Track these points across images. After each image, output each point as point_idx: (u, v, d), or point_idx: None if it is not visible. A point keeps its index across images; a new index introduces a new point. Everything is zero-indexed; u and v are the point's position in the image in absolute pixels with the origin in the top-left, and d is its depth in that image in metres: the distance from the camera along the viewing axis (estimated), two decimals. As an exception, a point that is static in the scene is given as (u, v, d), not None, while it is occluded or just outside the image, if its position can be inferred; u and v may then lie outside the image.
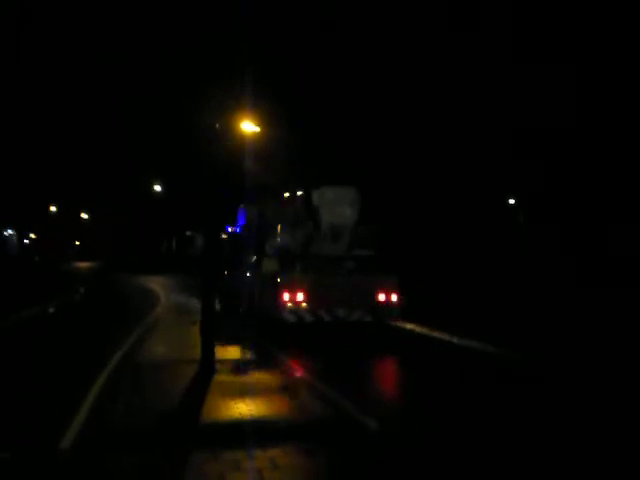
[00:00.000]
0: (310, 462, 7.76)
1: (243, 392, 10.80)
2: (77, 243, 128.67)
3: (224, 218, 20.28)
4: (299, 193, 20.35)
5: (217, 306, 18.01)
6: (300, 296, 17.40)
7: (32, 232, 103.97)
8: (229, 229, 25.34)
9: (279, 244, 19.24)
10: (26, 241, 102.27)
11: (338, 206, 18.27)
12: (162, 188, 64.57)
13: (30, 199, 71.97)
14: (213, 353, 12.95)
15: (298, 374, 12.87)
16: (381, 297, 18.02)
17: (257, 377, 12.30)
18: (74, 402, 10.33)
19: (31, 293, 32.89)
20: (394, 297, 18.13)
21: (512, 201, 36.03)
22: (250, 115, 21.09)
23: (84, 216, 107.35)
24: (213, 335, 13.01)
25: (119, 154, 61.41)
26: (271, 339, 17.23)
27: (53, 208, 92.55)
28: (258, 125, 23.22)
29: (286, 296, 17.30)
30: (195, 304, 14.95)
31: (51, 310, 26.73)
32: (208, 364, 12.71)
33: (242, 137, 22.52)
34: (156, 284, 42.15)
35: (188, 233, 63.00)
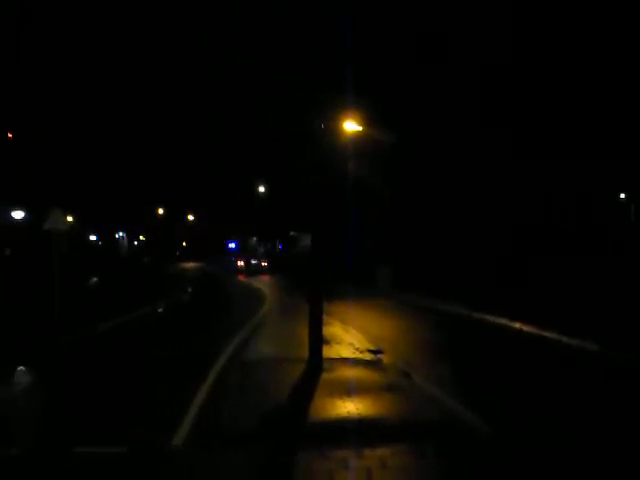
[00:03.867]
0: (420, 464, 7.65)
1: (350, 390, 10.79)
2: (184, 244, 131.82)
3: (329, 218, 20.60)
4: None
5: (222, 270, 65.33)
6: (241, 262, 64.92)
7: (141, 234, 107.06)
8: (230, 245, 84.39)
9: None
10: (135, 243, 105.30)
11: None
12: (266, 189, 65.46)
13: (139, 203, 74.09)
14: (320, 352, 13.01)
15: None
16: (263, 264, 62.22)
17: (364, 375, 12.28)
18: (185, 400, 10.56)
19: (141, 293, 33.82)
20: (265, 264, 62.40)
21: (623, 195, 34.77)
22: (353, 114, 21.05)
23: (190, 217, 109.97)
24: (321, 334, 13.06)
25: (224, 156, 62.43)
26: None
27: (161, 211, 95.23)
28: (361, 125, 23.17)
29: (238, 262, 64.93)
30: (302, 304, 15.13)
31: (160, 310, 27.39)
32: (315, 362, 12.77)
33: (345, 136, 22.51)
34: (262, 284, 42.68)
35: (292, 233, 63.62)
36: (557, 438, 8.52)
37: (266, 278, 48.86)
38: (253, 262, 63.04)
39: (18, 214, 41.63)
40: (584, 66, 27.21)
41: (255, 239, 73.73)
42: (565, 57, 27.52)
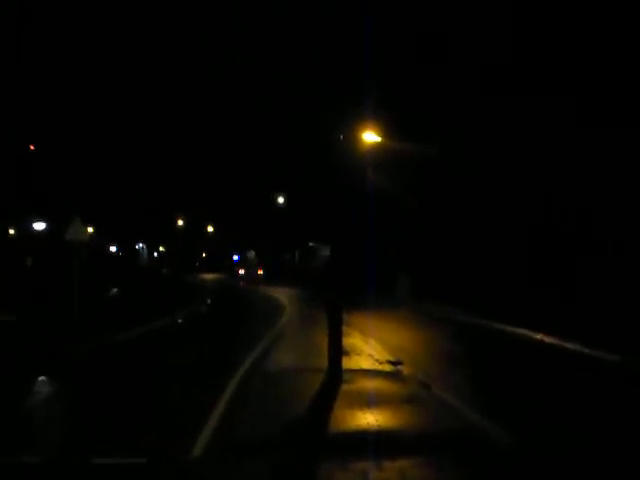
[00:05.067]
0: (439, 476, 7.60)
1: (370, 402, 10.75)
2: (203, 255, 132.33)
3: (348, 228, 20.62)
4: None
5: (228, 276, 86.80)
6: (242, 271, 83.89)
7: (161, 245, 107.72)
8: (234, 257, 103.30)
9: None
10: (155, 254, 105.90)
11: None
12: (285, 200, 65.52)
13: (159, 214, 74.57)
14: (340, 363, 12.98)
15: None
16: (260, 272, 76.21)
17: (384, 387, 12.25)
18: (204, 410, 10.56)
19: (160, 304, 33.90)
20: (260, 272, 76.27)
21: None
22: (372, 125, 21.04)
23: (210, 229, 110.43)
24: (341, 345, 13.04)
25: (243, 167, 62.73)
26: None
27: (180, 222, 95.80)
28: (380, 135, 23.14)
29: (239, 271, 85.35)
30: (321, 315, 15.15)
31: (179, 320, 27.43)
32: (335, 373, 12.75)
33: (364, 147, 22.49)
34: (281, 294, 42.65)
35: (311, 244, 63.67)
36: (577, 448, 8.45)
37: (285, 290, 48.77)
38: (250, 271, 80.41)
39: (39, 225, 42.01)
40: (590, 64, 26.97)
41: (253, 252, 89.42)
42: (571, 55, 27.32)
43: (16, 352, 17.37)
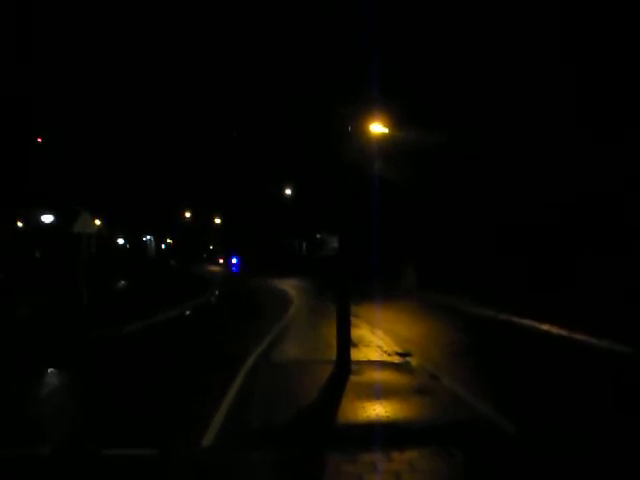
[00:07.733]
0: (449, 466, 7.60)
1: (379, 393, 10.76)
2: (211, 247, 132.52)
3: (356, 220, 20.58)
4: None
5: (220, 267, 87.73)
6: (221, 260, 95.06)
7: (168, 237, 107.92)
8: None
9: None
10: (163, 246, 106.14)
11: None
12: (292, 192, 65.39)
13: (166, 206, 74.65)
14: (349, 354, 12.98)
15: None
16: (234, 260, 79.59)
17: (392, 378, 12.25)
18: (213, 401, 10.60)
19: (168, 295, 33.94)
20: (234, 261, 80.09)
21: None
22: (379, 117, 21.00)
23: (217, 221, 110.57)
24: (349, 336, 13.04)
25: (251, 159, 62.68)
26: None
27: (188, 214, 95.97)
28: (387, 126, 23.09)
29: (219, 260, 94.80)
30: (329, 306, 15.21)
31: (188, 312, 27.47)
32: (343, 365, 12.75)
33: (371, 139, 22.47)
34: (288, 286, 42.62)
35: (318, 236, 63.57)
36: (584, 440, 8.43)
37: (291, 281, 48.60)
38: (227, 260, 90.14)
39: (47, 217, 42.12)
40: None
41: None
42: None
43: (28, 344, 17.42)
